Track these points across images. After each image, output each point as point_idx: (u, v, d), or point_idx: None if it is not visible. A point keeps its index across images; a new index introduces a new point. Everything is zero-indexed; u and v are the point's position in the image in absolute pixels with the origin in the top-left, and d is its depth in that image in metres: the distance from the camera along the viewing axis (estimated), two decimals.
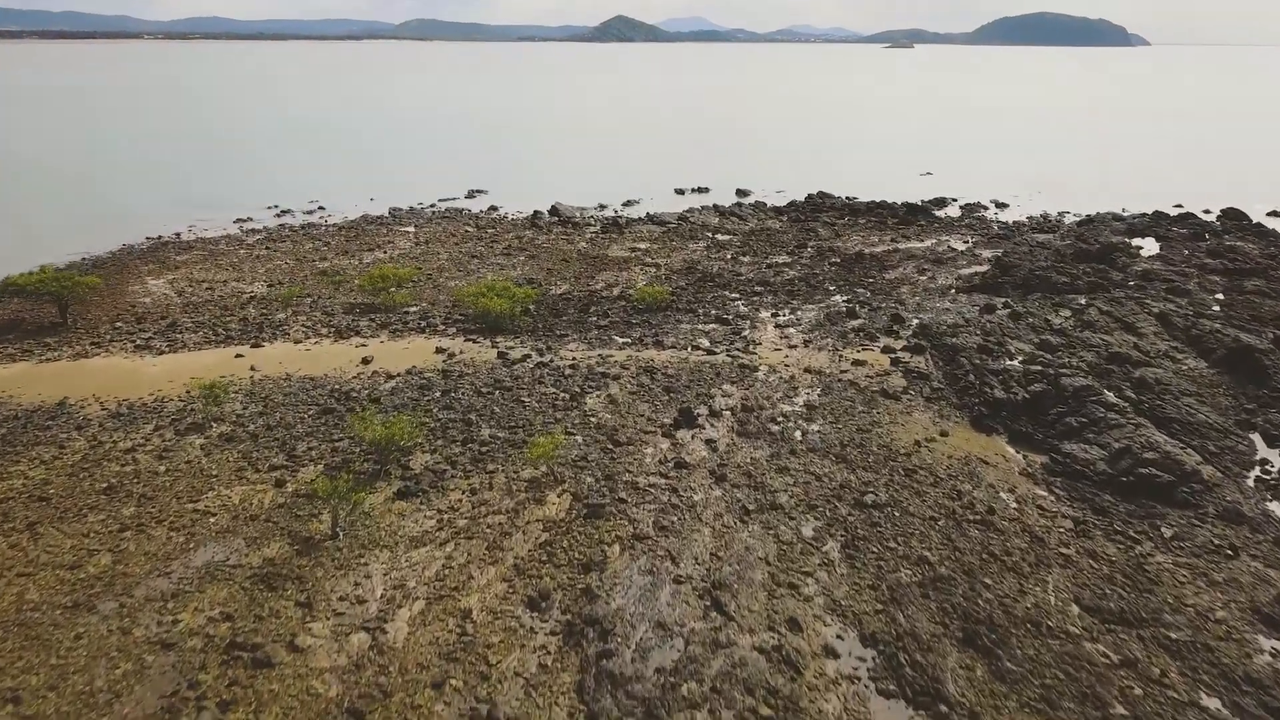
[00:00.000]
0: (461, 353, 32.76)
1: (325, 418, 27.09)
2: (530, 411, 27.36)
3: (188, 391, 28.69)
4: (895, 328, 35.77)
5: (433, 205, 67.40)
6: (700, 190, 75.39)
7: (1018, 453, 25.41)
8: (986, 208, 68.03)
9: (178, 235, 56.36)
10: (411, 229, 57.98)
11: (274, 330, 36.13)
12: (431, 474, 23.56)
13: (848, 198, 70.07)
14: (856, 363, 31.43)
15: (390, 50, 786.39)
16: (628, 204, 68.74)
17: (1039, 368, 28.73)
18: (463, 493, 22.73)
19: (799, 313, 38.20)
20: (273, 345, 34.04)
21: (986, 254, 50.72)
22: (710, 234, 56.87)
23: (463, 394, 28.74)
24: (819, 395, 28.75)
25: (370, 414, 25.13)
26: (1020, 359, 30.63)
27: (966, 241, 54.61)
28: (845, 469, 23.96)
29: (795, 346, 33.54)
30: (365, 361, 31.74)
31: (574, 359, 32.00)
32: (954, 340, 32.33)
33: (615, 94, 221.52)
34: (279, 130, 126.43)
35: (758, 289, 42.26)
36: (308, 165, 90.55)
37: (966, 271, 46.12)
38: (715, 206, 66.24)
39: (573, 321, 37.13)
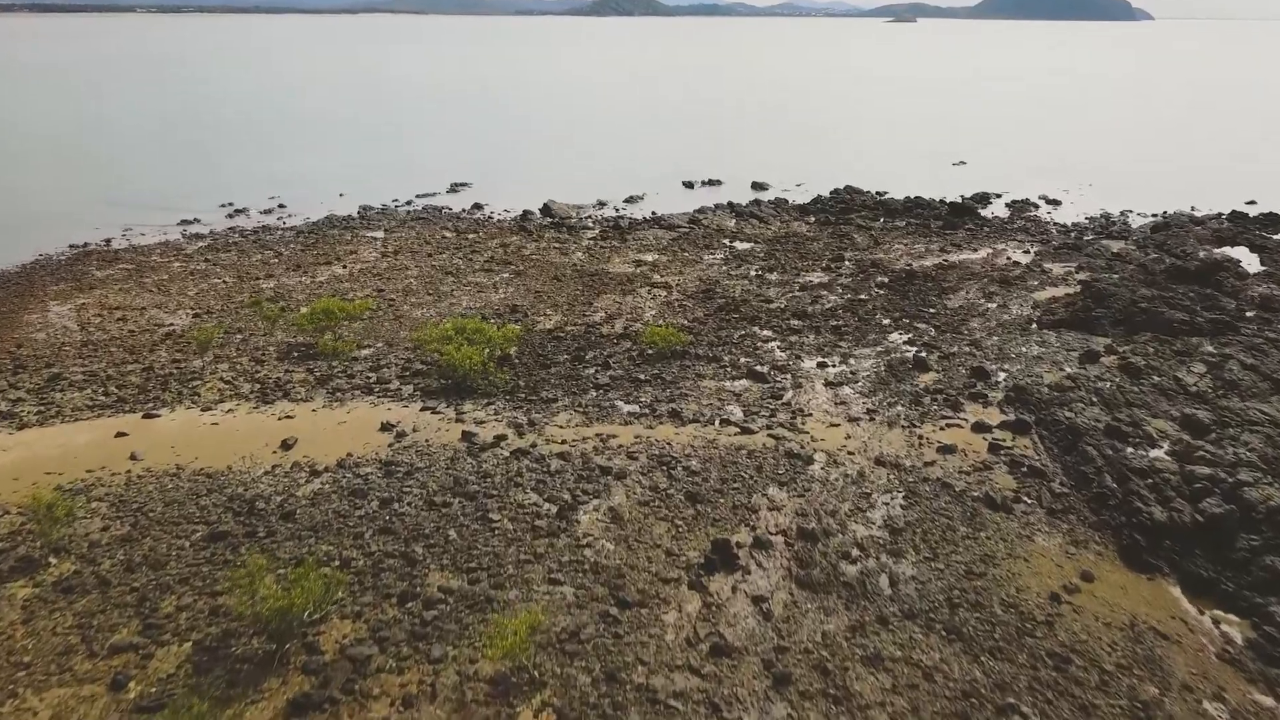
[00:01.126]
0: (415, 430, 24.76)
1: (213, 548, 19.23)
2: (500, 540, 19.45)
3: (34, 499, 20.72)
4: (979, 385, 27.80)
5: (409, 203, 59.21)
6: (711, 183, 67.16)
7: (1201, 613, 17.59)
8: (1037, 206, 59.89)
9: (107, 242, 48.29)
10: (380, 234, 49.86)
11: (181, 387, 28.19)
12: (349, 664, 15.77)
13: (878, 193, 61.89)
14: (943, 449, 23.47)
15: (385, 24, 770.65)
16: (630, 200, 60.56)
17: (1205, 469, 20.82)
18: (391, 704, 14.94)
19: (852, 361, 30.20)
20: (172, 413, 26.07)
21: (1056, 269, 42.72)
22: (727, 241, 48.78)
23: (409, 504, 20.84)
24: (902, 506, 20.86)
25: (261, 568, 17.00)
26: (1167, 446, 22.73)
27: (1027, 251, 46.55)
28: (964, 654, 16.14)
29: (857, 419, 25.48)
30: (286, 446, 23.76)
31: (564, 440, 24.05)
32: (1067, 414, 24.40)
33: (614, 72, 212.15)
34: (250, 111, 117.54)
35: (794, 323, 34.23)
36: (275, 152, 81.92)
37: (1042, 296, 38.11)
38: (730, 205, 58.02)
39: (564, 376, 29.08)
